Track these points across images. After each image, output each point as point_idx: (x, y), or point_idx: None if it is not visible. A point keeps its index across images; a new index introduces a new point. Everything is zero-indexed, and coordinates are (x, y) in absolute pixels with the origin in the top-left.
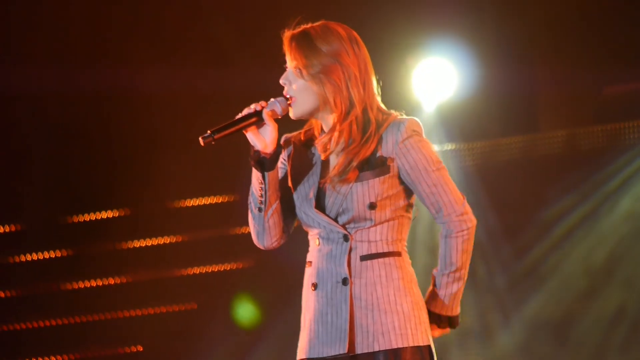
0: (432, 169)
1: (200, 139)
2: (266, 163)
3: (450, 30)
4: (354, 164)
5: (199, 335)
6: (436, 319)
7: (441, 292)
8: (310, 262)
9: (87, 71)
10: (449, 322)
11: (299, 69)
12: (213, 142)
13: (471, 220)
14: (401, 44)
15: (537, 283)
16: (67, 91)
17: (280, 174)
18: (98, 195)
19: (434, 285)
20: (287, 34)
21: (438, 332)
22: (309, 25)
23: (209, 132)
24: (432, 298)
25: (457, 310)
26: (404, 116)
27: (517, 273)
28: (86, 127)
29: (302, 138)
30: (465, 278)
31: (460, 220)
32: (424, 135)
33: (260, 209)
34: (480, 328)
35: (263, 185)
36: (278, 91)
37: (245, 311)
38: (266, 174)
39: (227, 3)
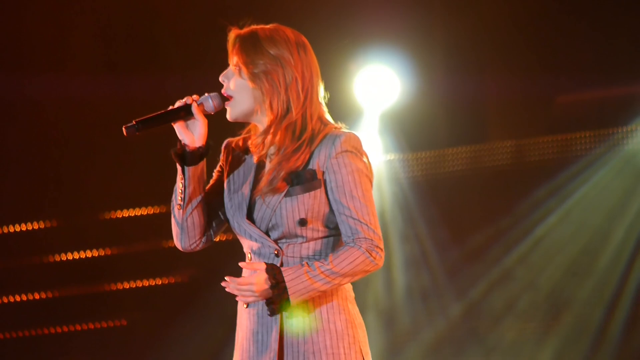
0: (358, 195)
1: (123, 128)
2: (188, 157)
3: (392, 36)
4: (283, 173)
5: (128, 354)
6: (274, 285)
7: (308, 273)
8: (244, 277)
9: (15, 76)
10: (279, 297)
11: (239, 67)
12: (137, 133)
13: (381, 260)
14: (342, 50)
15: (485, 296)
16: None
17: (216, 177)
18: (24, 205)
19: (308, 265)
20: (233, 32)
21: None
22: (259, 26)
23: (133, 122)
24: (293, 269)
25: (295, 300)
26: (344, 130)
27: (465, 285)
28: (12, 134)
29: (242, 144)
30: (327, 289)
31: (371, 251)
32: (363, 152)
33: (179, 207)
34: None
35: (183, 181)
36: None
37: None
38: (186, 168)
39: (164, 5)
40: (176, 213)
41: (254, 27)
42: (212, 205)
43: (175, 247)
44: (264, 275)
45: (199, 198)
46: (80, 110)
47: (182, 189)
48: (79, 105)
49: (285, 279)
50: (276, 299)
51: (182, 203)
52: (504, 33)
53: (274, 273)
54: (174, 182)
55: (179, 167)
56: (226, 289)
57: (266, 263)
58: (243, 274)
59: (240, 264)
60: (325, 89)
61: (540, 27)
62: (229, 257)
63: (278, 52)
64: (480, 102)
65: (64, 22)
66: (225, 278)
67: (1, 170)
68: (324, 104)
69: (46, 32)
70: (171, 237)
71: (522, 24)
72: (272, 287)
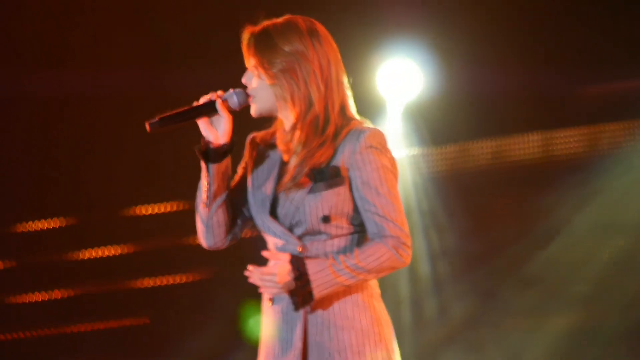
0: (384, 192)
1: (146, 124)
2: (211, 154)
3: (415, 29)
4: (306, 169)
5: (150, 352)
6: (297, 276)
7: (332, 267)
8: None
9: (27, 73)
10: (302, 289)
11: (257, 68)
12: (160, 129)
13: (409, 258)
14: (365, 43)
15: (516, 295)
16: (5, 93)
17: (240, 173)
18: (40, 202)
19: (333, 258)
20: (245, 33)
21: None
22: (271, 21)
23: (157, 118)
24: (318, 262)
25: (319, 293)
26: (368, 124)
27: (494, 287)
28: (27, 130)
29: (268, 138)
30: (351, 284)
31: (398, 248)
32: (388, 148)
33: (204, 204)
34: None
35: (207, 178)
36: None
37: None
38: (211, 165)
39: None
40: (201, 211)
41: (265, 23)
42: (237, 202)
43: (197, 243)
44: (288, 266)
45: (224, 195)
46: (98, 107)
47: (207, 186)
48: (98, 101)
49: (309, 271)
50: (299, 291)
51: (207, 201)
52: (528, 24)
53: (298, 264)
54: (194, 178)
55: (203, 165)
56: (249, 280)
57: (291, 254)
58: (263, 310)
59: (263, 253)
60: (348, 80)
61: (566, 17)
62: (252, 254)
63: (292, 47)
64: (505, 94)
65: (78, 19)
66: (248, 267)
67: (19, 168)
68: (347, 90)
69: (63, 29)
70: (192, 234)
71: (546, 14)
72: (295, 278)
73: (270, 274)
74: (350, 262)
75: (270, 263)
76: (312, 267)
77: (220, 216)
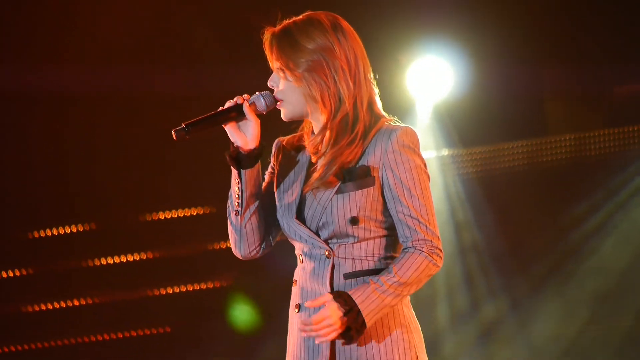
0: (417, 193)
1: (172, 132)
2: (243, 160)
3: (446, 27)
4: (335, 167)
5: None
6: (347, 311)
7: (377, 290)
8: (296, 280)
9: (53, 70)
10: (355, 322)
11: (282, 70)
12: (187, 137)
13: (442, 261)
14: (394, 41)
15: (545, 300)
16: (30, 92)
17: (268, 179)
18: (60, 207)
19: (374, 282)
20: (267, 34)
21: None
22: (292, 20)
23: (183, 125)
24: (362, 290)
25: (370, 320)
26: (398, 122)
27: (523, 289)
28: (47, 133)
29: (295, 142)
30: (397, 303)
31: (432, 253)
32: (419, 147)
33: (237, 212)
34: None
35: (239, 185)
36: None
37: (243, 314)
38: (243, 172)
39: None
40: (233, 219)
41: (286, 22)
42: (268, 208)
43: (218, 249)
44: (334, 304)
45: (257, 202)
46: (119, 109)
47: (239, 193)
48: (120, 103)
49: (356, 301)
50: (352, 324)
51: (239, 209)
52: (560, 23)
53: (344, 299)
54: (215, 182)
55: (234, 171)
56: (305, 336)
57: (330, 292)
58: (290, 317)
59: (306, 304)
60: (377, 79)
61: (598, 16)
62: (274, 260)
63: (316, 44)
64: (536, 94)
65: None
66: (300, 327)
67: (41, 173)
68: (374, 84)
69: (87, 24)
70: (215, 239)
71: (578, 13)
72: (346, 313)
73: (323, 320)
74: (392, 281)
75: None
76: (359, 297)
77: (253, 224)
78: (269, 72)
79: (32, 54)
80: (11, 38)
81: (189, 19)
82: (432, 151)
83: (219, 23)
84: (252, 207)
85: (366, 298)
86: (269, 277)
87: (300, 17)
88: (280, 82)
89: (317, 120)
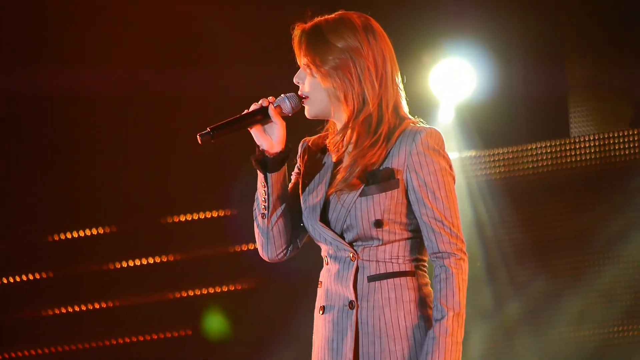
0: (442, 196)
1: (197, 136)
2: (269, 163)
3: (469, 28)
4: (358, 169)
5: None
6: None
7: (442, 343)
8: (321, 282)
9: (78, 72)
10: None
11: (309, 67)
12: (212, 141)
13: (466, 262)
14: (418, 43)
15: (568, 305)
16: (52, 93)
17: (294, 180)
18: (81, 211)
19: (436, 334)
20: (297, 30)
21: None
22: (323, 17)
23: (208, 129)
24: (434, 349)
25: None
26: (422, 124)
27: (546, 294)
28: (66, 136)
29: (321, 142)
30: (463, 333)
31: (457, 259)
32: (445, 149)
33: (263, 215)
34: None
35: (266, 189)
36: (290, 91)
37: (215, 323)
38: (269, 175)
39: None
40: (260, 222)
41: (317, 19)
42: (294, 210)
43: (241, 251)
44: None
45: (283, 204)
46: (138, 110)
47: (265, 196)
48: (139, 104)
49: None
50: None
51: (265, 212)
52: (584, 23)
53: None
54: (236, 184)
55: (260, 175)
56: None
57: None
58: (315, 319)
59: None
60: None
61: (622, 16)
62: (296, 262)
63: (345, 43)
64: (560, 95)
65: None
66: None
67: (61, 175)
68: (401, 88)
69: (101, 27)
70: (236, 242)
71: (602, 13)
72: None
73: None
74: (446, 320)
75: (319, 320)
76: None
77: (281, 226)
78: (281, 75)
79: (47, 55)
80: (11, 38)
81: (190, 18)
82: (455, 152)
83: (222, 23)
84: (279, 210)
85: (446, 355)
86: (289, 280)
87: (333, 15)
88: (306, 79)
89: (339, 120)
